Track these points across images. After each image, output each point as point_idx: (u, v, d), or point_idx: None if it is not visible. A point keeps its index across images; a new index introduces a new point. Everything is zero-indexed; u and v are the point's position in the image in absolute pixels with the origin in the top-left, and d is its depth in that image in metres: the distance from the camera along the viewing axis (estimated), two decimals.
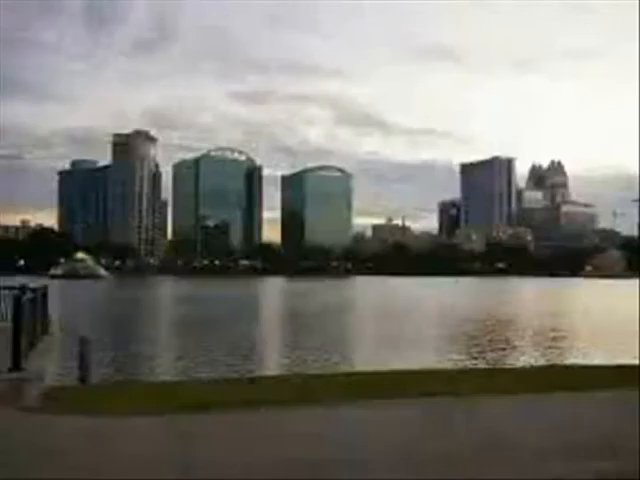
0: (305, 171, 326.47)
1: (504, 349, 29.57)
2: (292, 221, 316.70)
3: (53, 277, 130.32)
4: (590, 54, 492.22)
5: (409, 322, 44.65)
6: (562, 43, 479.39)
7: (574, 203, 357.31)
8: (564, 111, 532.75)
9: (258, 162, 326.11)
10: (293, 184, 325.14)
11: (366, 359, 25.21)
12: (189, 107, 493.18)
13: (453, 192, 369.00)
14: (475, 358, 25.99)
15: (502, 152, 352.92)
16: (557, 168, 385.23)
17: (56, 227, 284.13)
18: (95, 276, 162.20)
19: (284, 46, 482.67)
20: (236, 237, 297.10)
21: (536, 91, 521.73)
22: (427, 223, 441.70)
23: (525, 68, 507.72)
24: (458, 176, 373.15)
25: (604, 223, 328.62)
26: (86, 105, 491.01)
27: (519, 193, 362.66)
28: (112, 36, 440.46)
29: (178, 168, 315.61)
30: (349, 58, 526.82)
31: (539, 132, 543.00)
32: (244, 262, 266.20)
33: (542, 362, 23.67)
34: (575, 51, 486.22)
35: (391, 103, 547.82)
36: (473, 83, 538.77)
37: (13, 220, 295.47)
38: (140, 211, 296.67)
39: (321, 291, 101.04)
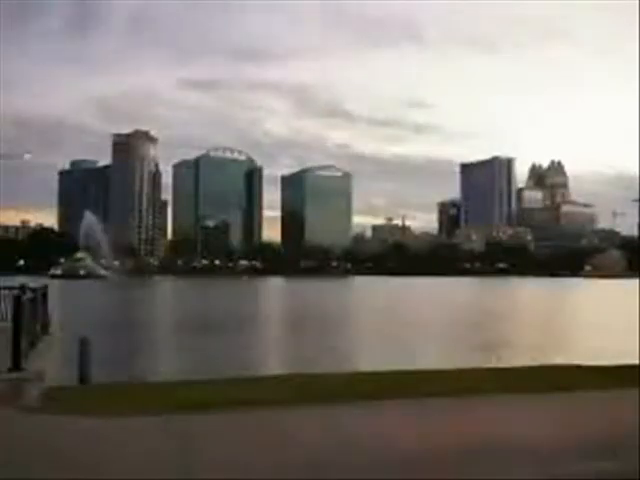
0: (305, 171, 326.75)
1: (504, 349, 29.54)
2: (292, 221, 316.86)
3: (53, 277, 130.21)
4: (589, 54, 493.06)
5: (408, 323, 44.63)
6: (559, 44, 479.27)
7: (574, 203, 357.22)
8: (564, 111, 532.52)
9: (258, 163, 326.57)
10: (293, 184, 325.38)
11: (365, 360, 25.18)
12: (139, 97, 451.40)
13: (430, 186, 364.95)
14: (475, 358, 25.95)
15: (502, 152, 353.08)
16: (557, 168, 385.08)
17: (56, 227, 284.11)
18: (95, 276, 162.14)
19: (234, 30, 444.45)
20: (236, 237, 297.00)
21: (534, 89, 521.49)
22: (426, 223, 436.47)
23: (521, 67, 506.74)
24: (436, 170, 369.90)
25: (604, 223, 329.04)
26: (20, 93, 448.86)
27: (519, 193, 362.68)
28: (40, 19, 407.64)
29: (178, 168, 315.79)
30: (303, 42, 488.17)
31: (539, 132, 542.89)
32: (244, 262, 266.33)
33: (542, 362, 23.63)
34: (575, 53, 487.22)
35: (352, 91, 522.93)
36: (438, 67, 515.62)
37: (13, 220, 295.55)
38: (140, 211, 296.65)
39: (321, 291, 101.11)
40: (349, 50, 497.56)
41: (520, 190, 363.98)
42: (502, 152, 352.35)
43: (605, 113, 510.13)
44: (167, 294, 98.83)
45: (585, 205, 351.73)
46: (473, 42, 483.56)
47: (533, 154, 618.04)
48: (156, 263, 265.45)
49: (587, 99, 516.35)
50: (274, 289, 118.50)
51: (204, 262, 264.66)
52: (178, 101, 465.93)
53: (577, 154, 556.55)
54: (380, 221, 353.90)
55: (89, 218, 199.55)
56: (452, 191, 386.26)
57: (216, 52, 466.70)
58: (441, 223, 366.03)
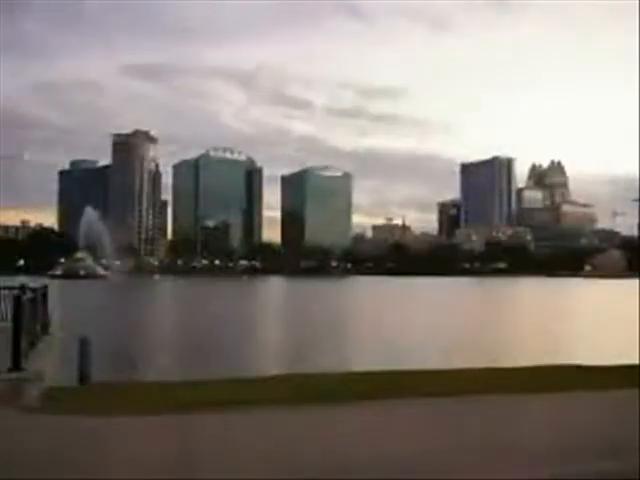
0: (305, 171, 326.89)
1: (503, 349, 29.54)
2: (292, 221, 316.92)
3: (53, 277, 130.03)
4: (589, 54, 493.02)
5: (410, 326, 44.63)
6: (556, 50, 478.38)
7: (574, 203, 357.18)
8: (564, 111, 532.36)
9: (259, 163, 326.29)
10: (293, 184, 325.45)
11: (363, 361, 25.18)
12: (76, 84, 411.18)
13: (417, 183, 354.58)
14: (473, 358, 25.93)
15: (501, 152, 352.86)
16: (557, 168, 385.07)
17: (56, 227, 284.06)
18: (95, 276, 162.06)
19: (171, 11, 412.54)
20: (236, 237, 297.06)
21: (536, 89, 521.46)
22: (427, 224, 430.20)
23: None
24: (418, 165, 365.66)
25: (604, 223, 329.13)
26: None
27: (519, 193, 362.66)
28: None
29: (178, 168, 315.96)
30: (241, 24, 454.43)
31: (539, 132, 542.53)
32: (244, 262, 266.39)
33: (542, 362, 23.63)
34: (575, 52, 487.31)
35: (305, 78, 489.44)
36: (391, 49, 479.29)
37: (13, 220, 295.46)
38: (140, 211, 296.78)
39: (323, 292, 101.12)
40: (293, 33, 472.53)
41: (520, 190, 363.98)
42: (501, 151, 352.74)
43: (605, 113, 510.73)
44: (167, 294, 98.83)
45: (585, 205, 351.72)
46: (426, 21, 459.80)
47: (533, 154, 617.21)
48: (156, 263, 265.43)
49: (587, 99, 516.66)
50: (275, 290, 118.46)
51: (204, 262, 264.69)
52: (124, 89, 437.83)
53: (577, 154, 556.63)
54: (379, 221, 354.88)
55: (89, 214, 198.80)
56: (436, 186, 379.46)
57: (154, 36, 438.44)
58: (441, 223, 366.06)
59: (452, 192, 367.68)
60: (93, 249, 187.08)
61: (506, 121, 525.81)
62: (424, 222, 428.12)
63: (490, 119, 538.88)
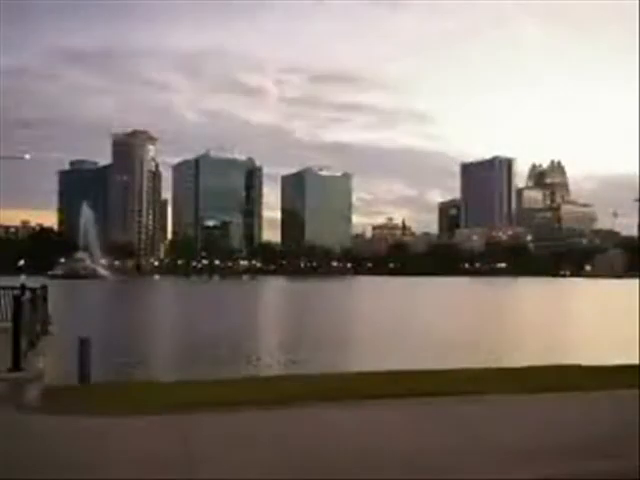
0: (305, 171, 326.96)
1: (504, 349, 29.51)
2: (292, 221, 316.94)
3: (53, 277, 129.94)
4: (589, 53, 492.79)
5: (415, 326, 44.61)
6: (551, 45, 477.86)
7: (574, 203, 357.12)
8: (564, 111, 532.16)
9: (258, 162, 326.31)
10: (293, 184, 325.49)
11: (365, 360, 25.15)
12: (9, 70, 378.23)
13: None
14: (474, 358, 25.89)
15: (501, 152, 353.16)
16: (557, 168, 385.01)
17: (56, 227, 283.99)
18: (95, 276, 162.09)
19: None
20: (236, 237, 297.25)
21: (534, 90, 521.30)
22: (427, 224, 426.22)
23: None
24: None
25: (604, 223, 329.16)
26: None
27: (519, 193, 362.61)
28: None
29: (178, 168, 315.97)
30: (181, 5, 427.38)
31: (539, 132, 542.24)
32: (244, 262, 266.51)
33: (543, 362, 23.58)
34: (575, 52, 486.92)
35: (253, 62, 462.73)
36: (343, 26, 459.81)
37: (13, 220, 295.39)
38: (140, 211, 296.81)
39: (322, 291, 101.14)
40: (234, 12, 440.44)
41: (520, 190, 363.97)
42: (501, 152, 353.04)
43: (605, 113, 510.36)
44: (167, 294, 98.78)
45: (585, 205, 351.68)
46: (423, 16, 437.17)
47: (533, 154, 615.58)
48: (156, 263, 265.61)
49: (587, 99, 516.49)
50: (275, 290, 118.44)
51: (204, 262, 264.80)
52: (60, 76, 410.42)
53: (577, 154, 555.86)
54: (380, 220, 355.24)
55: (86, 213, 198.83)
56: (433, 184, 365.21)
57: (97, 21, 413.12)
58: (441, 223, 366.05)
59: (453, 192, 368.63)
60: (91, 249, 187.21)
61: (506, 121, 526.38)
62: (423, 222, 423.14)
63: (490, 119, 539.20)
